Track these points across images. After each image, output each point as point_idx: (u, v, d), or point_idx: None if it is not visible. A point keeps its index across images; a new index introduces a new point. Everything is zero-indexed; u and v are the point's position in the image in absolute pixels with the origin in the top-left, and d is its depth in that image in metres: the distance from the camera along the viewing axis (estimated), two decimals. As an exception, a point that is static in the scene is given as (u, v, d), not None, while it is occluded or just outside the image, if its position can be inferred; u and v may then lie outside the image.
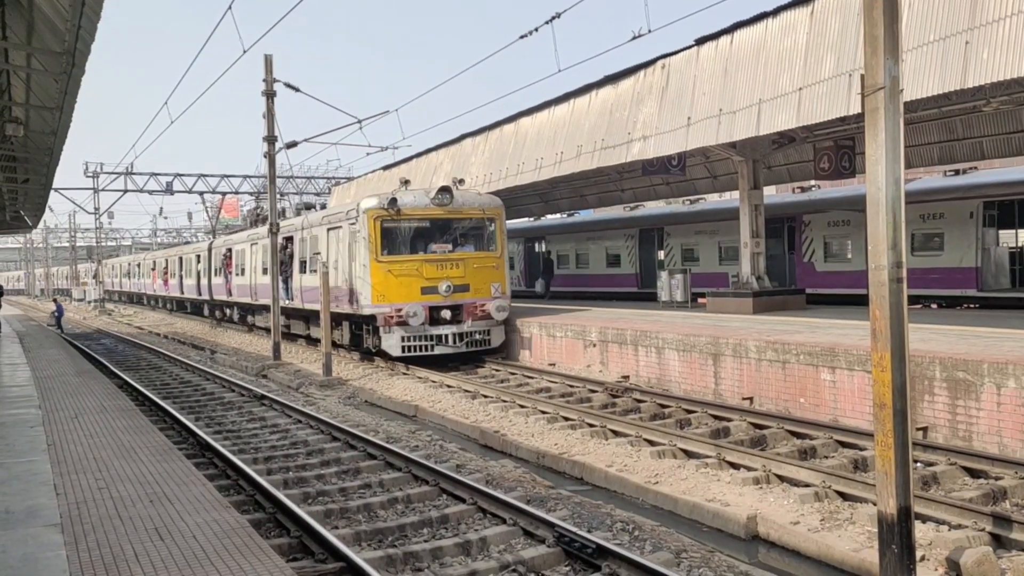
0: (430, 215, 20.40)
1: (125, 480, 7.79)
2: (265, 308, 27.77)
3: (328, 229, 22.41)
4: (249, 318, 33.07)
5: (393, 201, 19.73)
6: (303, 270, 24.59)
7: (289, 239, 25.58)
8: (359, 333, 21.30)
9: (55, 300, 51.73)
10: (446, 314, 19.93)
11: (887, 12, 6.28)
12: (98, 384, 15.27)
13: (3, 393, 13.30)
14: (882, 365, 6.34)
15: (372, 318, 19.96)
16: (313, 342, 24.82)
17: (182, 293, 45.44)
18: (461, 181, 21.64)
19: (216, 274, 36.86)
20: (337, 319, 21.87)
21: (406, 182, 21.40)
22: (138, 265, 61.92)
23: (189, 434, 12.65)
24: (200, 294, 40.67)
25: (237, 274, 32.91)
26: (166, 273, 49.60)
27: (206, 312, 41.16)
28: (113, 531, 6.25)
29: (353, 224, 20.46)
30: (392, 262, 19.74)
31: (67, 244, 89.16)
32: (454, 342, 19.95)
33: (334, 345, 21.56)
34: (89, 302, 65.44)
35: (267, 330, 27.46)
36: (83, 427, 10.55)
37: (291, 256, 25.19)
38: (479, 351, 20.53)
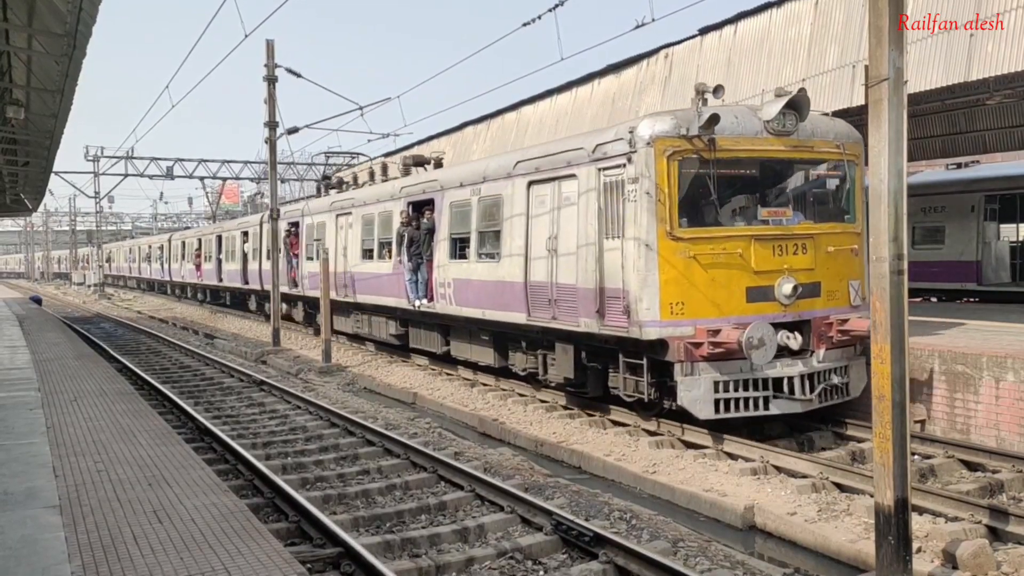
0: (762, 151, 11.22)
1: (124, 463, 7.80)
2: (379, 309, 19.80)
3: (512, 185, 13.72)
4: (333, 321, 22.22)
5: (712, 121, 10.46)
6: (457, 254, 15.91)
7: (421, 211, 17.29)
8: (597, 366, 12.30)
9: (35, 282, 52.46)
10: (789, 339, 10.87)
11: (892, 3, 6.25)
12: (97, 367, 15.29)
13: (3, 375, 13.31)
14: (881, 357, 6.34)
15: (657, 346, 10.77)
16: (444, 361, 17.92)
17: (220, 280, 36.93)
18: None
19: (272, 257, 27.54)
20: (545, 339, 13.38)
21: (717, 88, 11.01)
22: (160, 248, 51.82)
23: (188, 418, 12.67)
24: (247, 282, 31.98)
25: (315, 257, 23.37)
26: (198, 256, 40.74)
27: (253, 306, 33.22)
28: (112, 513, 6.27)
29: (613, 170, 11.22)
30: (699, 240, 10.72)
31: (67, 228, 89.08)
32: (802, 390, 10.75)
33: (574, 392, 13.55)
34: (89, 286, 65.35)
35: (388, 346, 20.55)
36: (82, 410, 10.56)
37: (427, 233, 16.82)
38: (827, 406, 11.32)
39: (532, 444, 12.07)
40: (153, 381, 16.09)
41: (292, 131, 26.13)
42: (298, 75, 24.24)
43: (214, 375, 18.45)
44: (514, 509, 8.26)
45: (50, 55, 13.70)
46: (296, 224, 26.11)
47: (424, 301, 16.89)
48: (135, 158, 46.93)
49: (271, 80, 23.97)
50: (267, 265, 27.36)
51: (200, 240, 40.78)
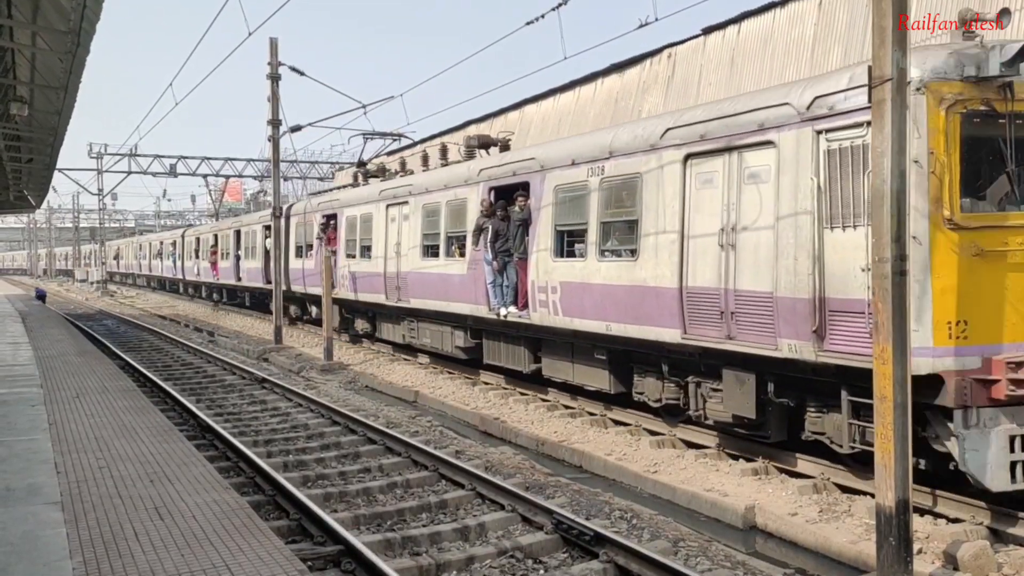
0: None
1: (126, 460, 7.81)
2: (443, 317, 16.71)
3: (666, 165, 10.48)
4: (397, 330, 19.55)
5: (1019, 58, 7.42)
6: (566, 251, 12.90)
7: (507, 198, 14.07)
8: (787, 403, 9.38)
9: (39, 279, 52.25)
10: None
11: (896, 3, 6.24)
12: (100, 364, 15.31)
13: (5, 372, 13.34)
14: (883, 358, 6.34)
15: (922, 384, 7.41)
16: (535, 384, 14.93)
17: (239, 280, 33.14)
18: None
19: (304, 254, 25.08)
20: (703, 364, 10.40)
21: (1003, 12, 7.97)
22: (173, 244, 48.06)
23: (190, 415, 12.68)
24: (270, 281, 26.80)
25: (358, 254, 20.54)
26: (214, 253, 37.20)
27: (290, 312, 27.77)
28: (113, 510, 6.28)
29: (845, 131, 8.19)
30: (990, 229, 7.71)
31: (70, 225, 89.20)
32: None
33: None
34: (91, 283, 65.37)
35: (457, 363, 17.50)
36: (84, 407, 10.58)
37: (520, 225, 13.52)
38: None
39: (533, 443, 12.07)
40: (155, 378, 16.11)
41: (295, 129, 26.15)
42: (301, 73, 24.26)
43: (216, 372, 18.47)
44: (515, 508, 8.26)
45: (54, 52, 13.71)
46: (333, 217, 22.59)
47: (511, 309, 13.66)
48: (138, 155, 47.03)
49: (274, 78, 24.01)
50: (299, 263, 25.01)
51: (216, 236, 37.36)
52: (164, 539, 5.68)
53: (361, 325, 22.10)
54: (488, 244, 13.87)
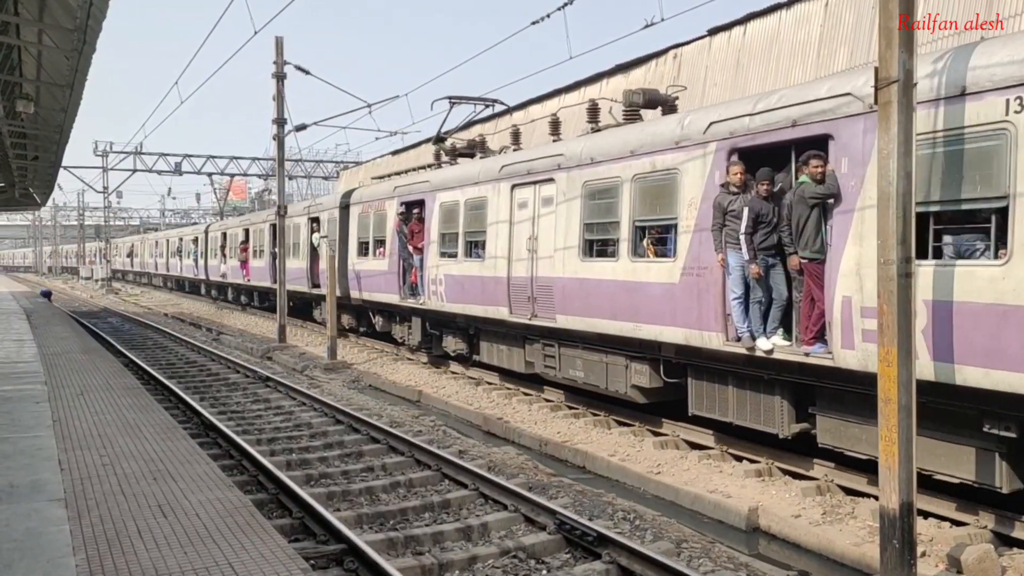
0: None
1: (129, 457, 7.82)
2: (611, 343, 12.02)
3: None
4: (495, 351, 15.52)
5: None
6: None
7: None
8: None
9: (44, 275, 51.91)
10: None
11: (903, 4, 6.23)
12: (104, 362, 15.33)
13: (10, 369, 13.36)
14: (888, 360, 6.32)
15: None
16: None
17: (275, 281, 26.83)
18: None
19: (371, 252, 20.50)
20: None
21: None
22: (194, 240, 43.47)
23: (193, 414, 12.70)
24: (317, 284, 24.37)
25: (460, 252, 15.98)
26: (245, 250, 32.96)
27: (342, 321, 23.26)
28: (116, 507, 6.28)
29: None
30: None
31: (75, 223, 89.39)
32: None
33: None
34: (96, 281, 65.44)
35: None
36: (88, 404, 10.59)
37: (816, 206, 8.60)
38: None
39: (536, 443, 12.06)
40: (159, 376, 16.14)
41: (300, 128, 26.18)
42: (307, 72, 24.28)
43: (220, 371, 18.49)
44: (518, 508, 8.25)
45: (60, 50, 13.74)
46: (418, 205, 17.93)
47: (778, 340, 9.24)
48: (144, 153, 47.16)
49: (280, 77, 24.03)
50: (362, 264, 20.79)
51: (248, 231, 32.68)
52: (167, 536, 5.68)
53: (453, 344, 17.13)
54: (743, 236, 9.14)
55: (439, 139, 19.27)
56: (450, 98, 18.19)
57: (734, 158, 9.55)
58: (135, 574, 5.04)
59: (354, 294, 21.48)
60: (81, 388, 11.89)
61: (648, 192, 10.97)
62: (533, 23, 14.53)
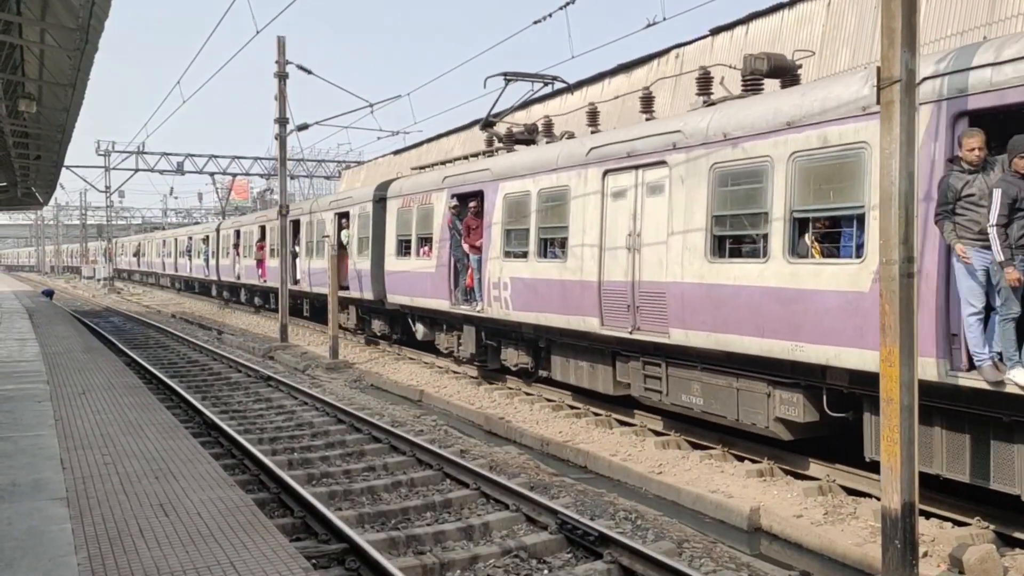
0: None
1: (131, 456, 7.83)
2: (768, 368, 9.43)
3: None
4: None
5: None
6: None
7: None
8: None
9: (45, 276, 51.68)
10: None
11: (905, 4, 6.22)
12: (106, 361, 15.35)
13: (12, 368, 13.38)
14: (890, 360, 6.32)
15: None
16: None
17: (296, 283, 26.03)
18: None
19: (414, 251, 17.90)
20: None
21: None
22: (204, 239, 41.16)
23: (195, 413, 12.71)
24: (344, 286, 21.66)
25: (531, 251, 13.56)
26: (261, 249, 30.77)
27: (372, 327, 21.81)
28: (118, 506, 6.29)
29: None
30: None
31: (77, 222, 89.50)
32: None
33: None
34: (98, 280, 65.47)
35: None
36: (90, 403, 10.60)
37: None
38: None
39: (538, 443, 12.06)
40: (161, 375, 16.15)
41: (302, 127, 26.21)
42: (309, 72, 24.31)
43: (222, 370, 18.50)
44: (519, 508, 8.25)
45: (62, 49, 13.76)
46: (474, 196, 15.35)
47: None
48: (146, 153, 47.26)
49: (282, 76, 24.05)
50: (403, 264, 18.14)
51: (264, 228, 30.39)
52: (169, 535, 5.68)
53: (515, 358, 14.86)
54: (993, 229, 6.85)
55: (488, 123, 16.86)
56: (505, 75, 15.78)
57: (964, 124, 7.27)
58: (136, 573, 5.04)
59: (391, 298, 19.13)
60: (83, 387, 11.91)
61: (814, 174, 8.53)
62: (535, 22, 14.55)
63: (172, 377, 16.49)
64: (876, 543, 7.01)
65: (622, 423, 12.50)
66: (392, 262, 18.83)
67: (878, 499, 6.92)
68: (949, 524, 7.91)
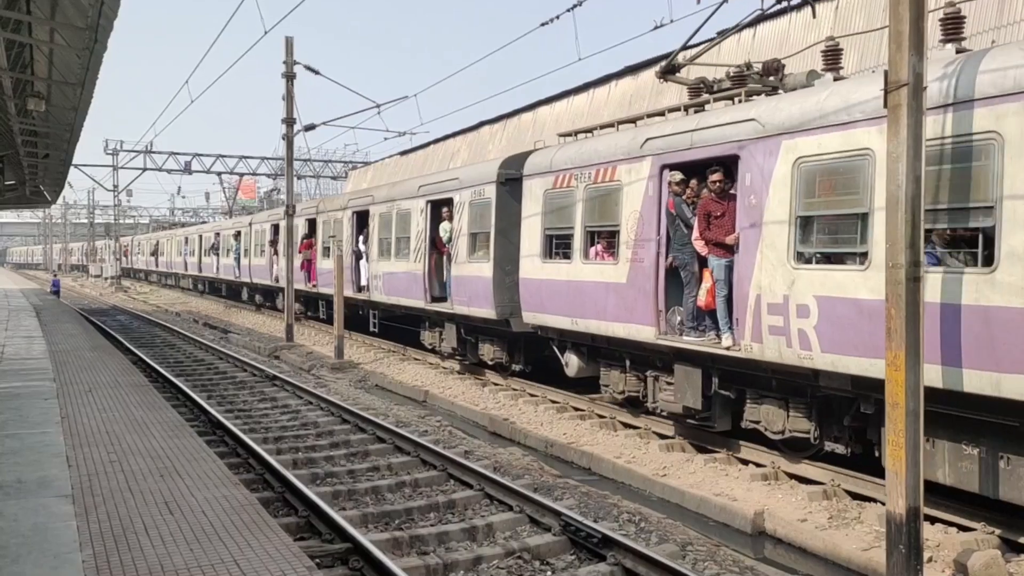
0: None
1: (137, 454, 7.85)
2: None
3: None
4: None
5: None
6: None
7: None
8: None
9: (54, 273, 51.96)
10: None
11: (913, 8, 6.21)
12: (112, 359, 15.39)
13: (19, 365, 13.42)
14: (896, 364, 6.30)
15: None
16: None
17: (359, 290, 21.89)
18: None
19: (576, 251, 12.57)
20: None
21: None
22: (235, 236, 35.88)
23: (201, 412, 12.73)
24: (437, 297, 17.68)
25: (807, 254, 8.72)
26: (309, 246, 26.20)
27: (485, 354, 16.49)
28: (123, 504, 6.31)
29: None
30: None
31: (85, 220, 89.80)
32: None
33: None
34: (105, 279, 65.61)
35: None
36: (96, 401, 10.64)
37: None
38: None
39: (542, 444, 12.06)
40: (167, 374, 16.18)
41: (309, 128, 26.22)
42: (316, 72, 24.33)
43: (227, 369, 18.53)
44: (523, 509, 8.25)
45: (71, 48, 13.81)
46: (710, 167, 10.07)
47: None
48: (154, 152, 47.41)
49: (289, 77, 24.10)
50: (568, 271, 12.59)
51: (314, 222, 25.86)
52: (173, 533, 5.70)
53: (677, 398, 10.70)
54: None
55: (670, 68, 11.90)
56: None
57: None
58: (141, 570, 5.06)
59: (529, 316, 13.84)
60: (89, 385, 11.94)
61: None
62: (542, 24, 14.55)
63: (178, 376, 16.52)
64: (881, 548, 6.98)
65: (626, 425, 12.49)
66: (533, 266, 13.57)
67: (883, 504, 6.89)
68: (954, 529, 7.88)
